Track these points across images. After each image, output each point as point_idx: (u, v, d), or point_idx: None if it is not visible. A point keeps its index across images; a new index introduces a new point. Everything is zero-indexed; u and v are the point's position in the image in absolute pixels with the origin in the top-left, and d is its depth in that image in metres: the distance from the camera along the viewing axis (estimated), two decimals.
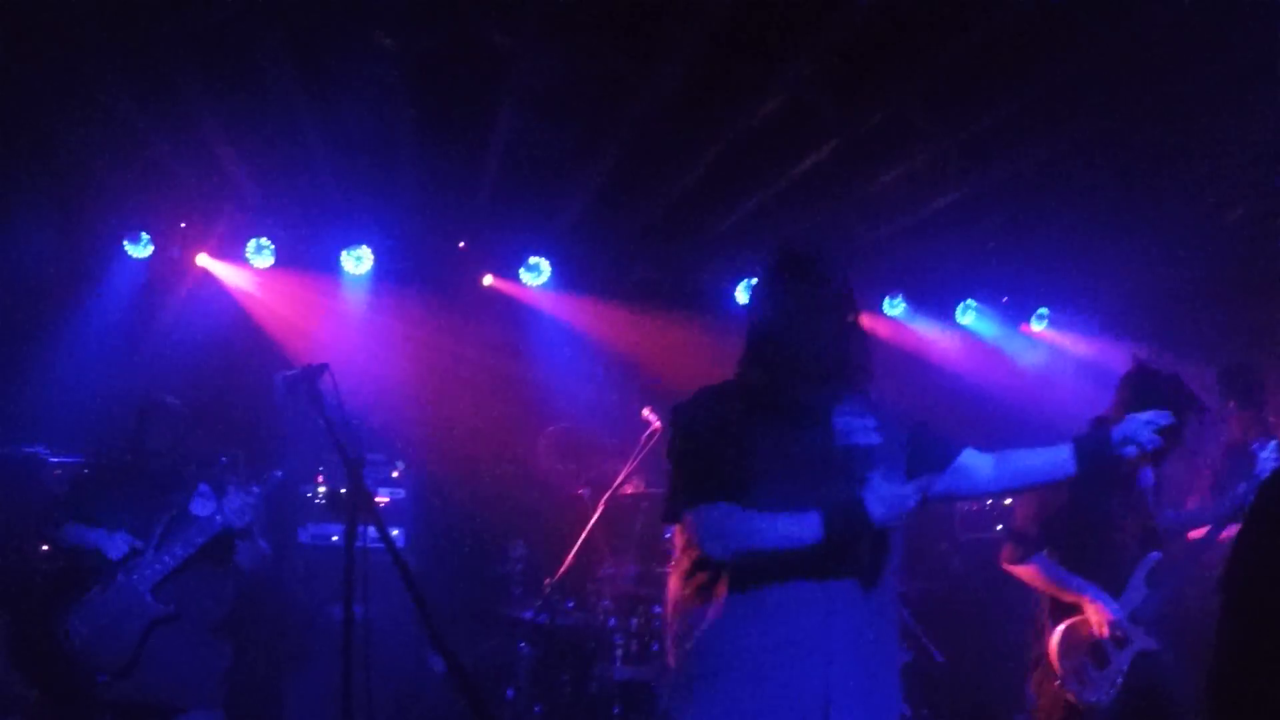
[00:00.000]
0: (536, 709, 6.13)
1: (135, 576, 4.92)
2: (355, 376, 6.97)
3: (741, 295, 8.38)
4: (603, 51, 5.26)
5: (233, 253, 7.36)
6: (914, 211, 7.30)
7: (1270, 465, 5.01)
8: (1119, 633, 4.66)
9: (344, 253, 7.59)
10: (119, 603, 4.88)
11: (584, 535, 5.76)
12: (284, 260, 7.43)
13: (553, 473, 6.92)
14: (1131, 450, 3.28)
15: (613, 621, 6.10)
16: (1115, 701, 4.65)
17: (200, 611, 5.07)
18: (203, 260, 7.33)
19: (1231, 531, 5.17)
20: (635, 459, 5.84)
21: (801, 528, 2.94)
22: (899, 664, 3.38)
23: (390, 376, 7.42)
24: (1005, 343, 9.12)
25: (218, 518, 5.02)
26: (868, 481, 2.99)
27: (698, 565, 3.13)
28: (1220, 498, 5.38)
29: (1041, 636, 4.86)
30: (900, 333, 8.90)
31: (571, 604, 6.34)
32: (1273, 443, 5.11)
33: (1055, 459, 3.35)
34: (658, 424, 5.78)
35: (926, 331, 8.97)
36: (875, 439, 3.16)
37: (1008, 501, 8.00)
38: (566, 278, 8.11)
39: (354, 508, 3.69)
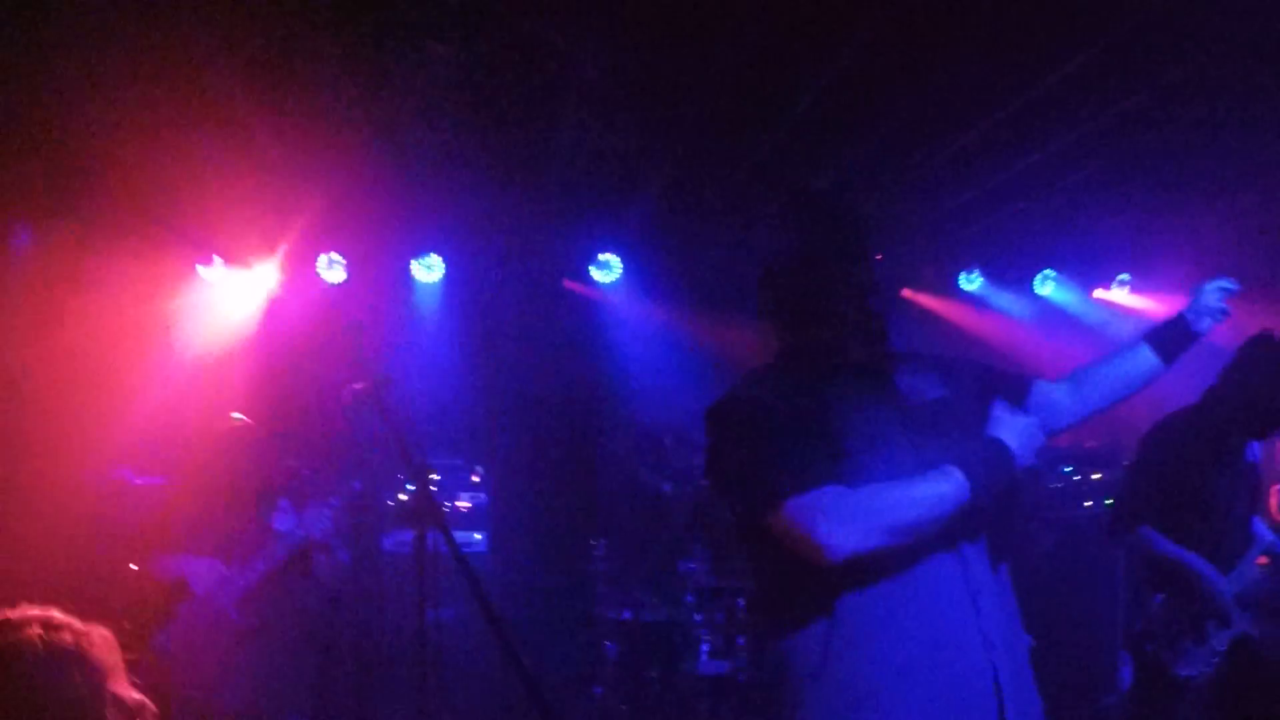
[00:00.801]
0: (624, 706, 6.14)
1: (221, 593, 5.01)
2: (433, 384, 7.10)
3: None
4: (654, 44, 5.23)
5: (304, 269, 7.46)
6: (987, 179, 7.17)
7: None
8: (1223, 611, 4.55)
9: (414, 262, 7.67)
10: (205, 619, 4.98)
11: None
12: (355, 273, 7.51)
13: (633, 470, 6.93)
14: (1207, 324, 2.96)
15: (698, 617, 6.10)
16: (1211, 681, 4.55)
17: (285, 624, 5.14)
18: (275, 278, 7.43)
19: None
20: None
21: (942, 487, 2.44)
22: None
23: (468, 382, 7.49)
24: (1086, 312, 8.94)
25: (299, 531, 5.09)
26: (993, 418, 2.59)
27: (797, 573, 2.50)
28: None
29: (1143, 607, 4.77)
30: (978, 308, 8.78)
31: (656, 600, 6.34)
32: None
33: (1136, 359, 2.99)
34: None
35: (1005, 305, 8.84)
36: (944, 391, 2.78)
37: (1096, 477, 7.88)
38: (638, 273, 8.12)
39: (422, 515, 3.72)
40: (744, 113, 6.02)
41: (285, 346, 7.21)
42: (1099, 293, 9.00)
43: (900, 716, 2.42)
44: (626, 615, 6.22)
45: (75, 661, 2.07)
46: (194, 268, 7.23)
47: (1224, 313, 2.96)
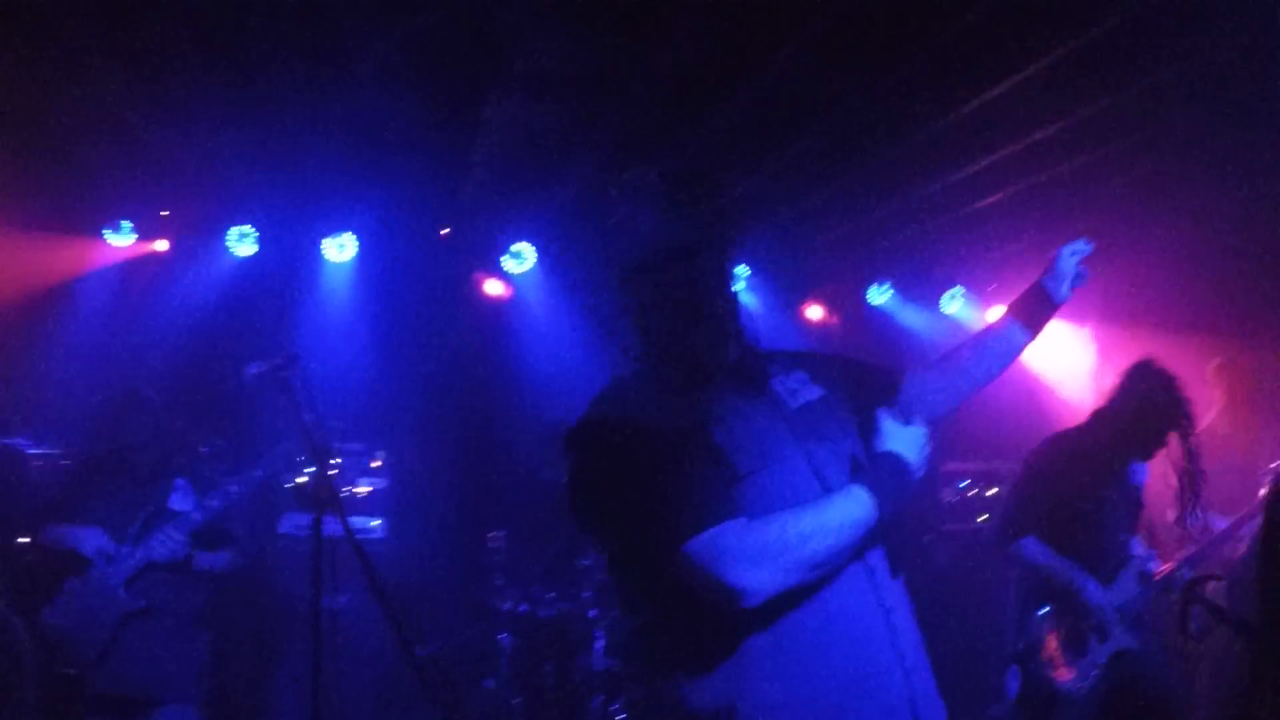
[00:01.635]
0: (516, 700, 6.12)
1: (110, 570, 4.91)
2: (337, 365, 6.99)
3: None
4: (598, 32, 5.21)
5: (214, 240, 7.32)
6: (904, 196, 7.27)
7: None
8: (1104, 624, 4.67)
9: (326, 240, 7.55)
10: (93, 596, 4.87)
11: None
12: (266, 247, 7.39)
13: (535, 463, 6.89)
14: (1066, 290, 2.90)
15: (594, 612, 6.10)
16: (1090, 694, 4.67)
17: (176, 605, 5.05)
18: (184, 248, 7.29)
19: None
20: None
21: (854, 512, 2.27)
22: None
23: (373, 365, 7.38)
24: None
25: (195, 514, 5.01)
26: (884, 431, 2.45)
27: (695, 612, 2.25)
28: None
29: (1027, 621, 4.87)
30: (886, 322, 8.90)
31: (553, 594, 6.33)
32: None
33: (1002, 335, 2.90)
34: None
35: (912, 321, 8.97)
36: (820, 391, 2.60)
37: (992, 492, 8.04)
38: (552, 264, 8.09)
39: (320, 500, 3.68)
40: (670, 114, 6.01)
41: (191, 319, 7.06)
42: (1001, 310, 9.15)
43: None
44: (523, 608, 6.20)
45: None
46: (99, 234, 7.05)
47: (1082, 276, 2.94)
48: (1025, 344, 2.92)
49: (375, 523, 6.79)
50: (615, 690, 5.85)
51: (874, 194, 7.29)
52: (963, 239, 8.14)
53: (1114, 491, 4.90)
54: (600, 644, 5.98)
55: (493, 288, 8.14)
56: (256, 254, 7.34)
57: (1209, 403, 6.54)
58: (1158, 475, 5.11)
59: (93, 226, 7.04)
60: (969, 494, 8.00)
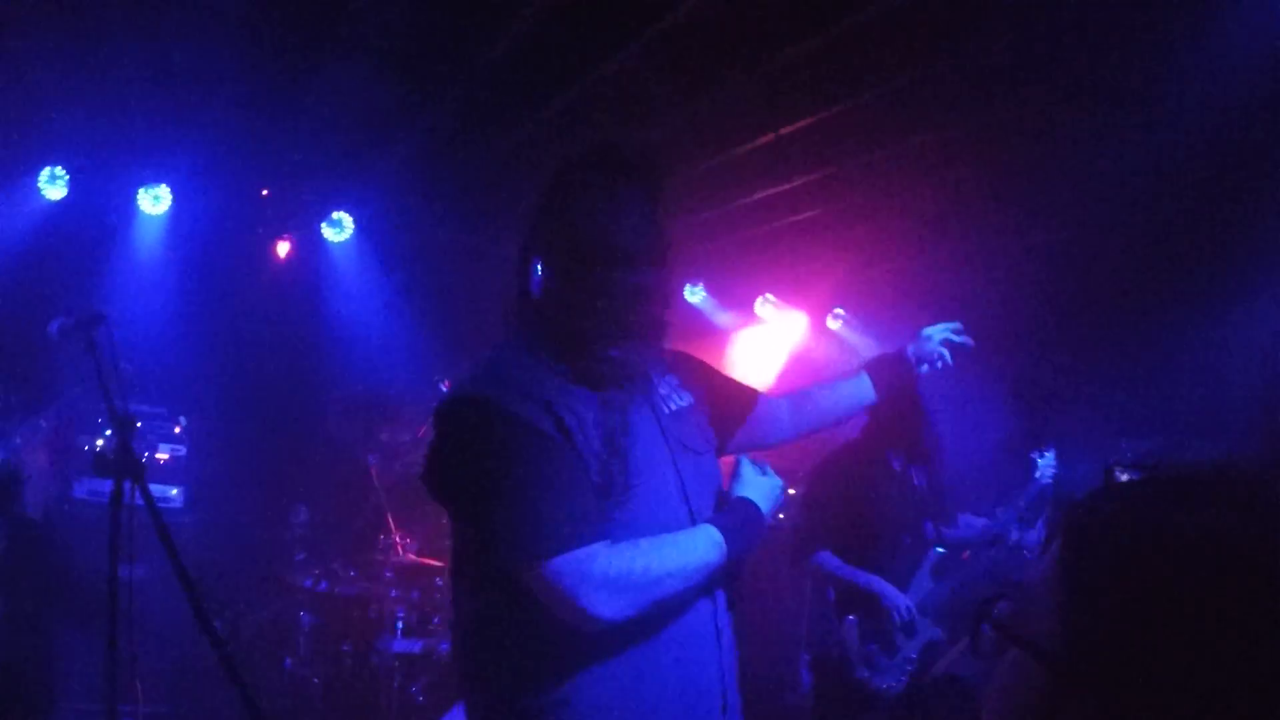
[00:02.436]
0: (315, 680, 6.05)
1: None
2: (143, 322, 6.76)
3: None
4: (443, 9, 5.18)
5: (25, 180, 6.96)
6: (728, 202, 7.44)
7: (1050, 474, 5.37)
8: (908, 622, 4.91)
9: (142, 190, 7.27)
10: None
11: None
12: (78, 192, 7.07)
13: (340, 437, 6.80)
14: (925, 368, 2.99)
15: (394, 593, 6.07)
16: (906, 689, 4.91)
17: None
18: None
19: None
20: (426, 429, 5.78)
21: (709, 555, 2.29)
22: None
23: (180, 325, 7.14)
24: (798, 338, 9.38)
25: None
26: (743, 479, 2.46)
27: (543, 620, 2.21)
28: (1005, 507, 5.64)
29: (834, 627, 5.07)
30: (699, 321, 9.07)
31: (354, 573, 6.28)
32: (1051, 452, 5.45)
33: (853, 388, 2.95)
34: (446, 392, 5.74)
35: (725, 323, 9.17)
36: (688, 399, 2.57)
37: (790, 491, 8.28)
38: (371, 236, 7.98)
39: (120, 467, 3.55)
40: (507, 100, 6.02)
41: None
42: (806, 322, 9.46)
43: None
44: (323, 586, 6.13)
45: None
46: None
47: (943, 359, 3.00)
48: (872, 402, 2.99)
49: (174, 491, 6.59)
50: (414, 672, 5.85)
51: (694, 200, 7.44)
52: (781, 248, 8.37)
53: (893, 492, 5.15)
54: (400, 625, 5.96)
55: (301, 253, 7.96)
56: (68, 198, 7.01)
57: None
58: None
59: None
60: None
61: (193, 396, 7.03)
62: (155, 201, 7.27)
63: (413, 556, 6.26)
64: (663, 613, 2.27)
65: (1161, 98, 5.14)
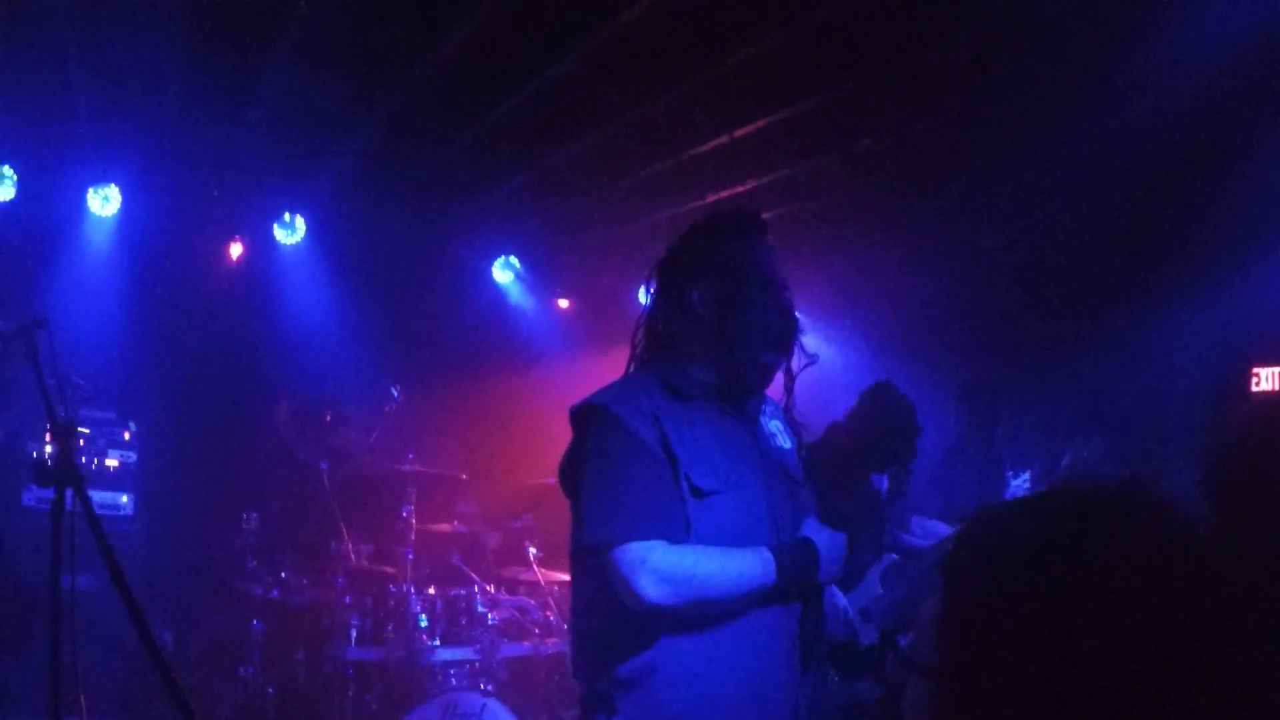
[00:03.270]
0: (270, 690, 6.00)
1: None
2: (92, 326, 6.68)
3: (500, 274, 8.41)
4: (387, 13, 5.16)
5: None
6: (678, 204, 7.45)
7: (1021, 493, 5.42)
8: (850, 623, 4.93)
9: (91, 190, 7.19)
10: None
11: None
12: (26, 192, 6.97)
13: (291, 442, 6.75)
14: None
15: (347, 599, 6.02)
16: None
17: None
18: None
19: None
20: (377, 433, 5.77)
21: (755, 571, 2.57)
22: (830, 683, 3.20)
23: (129, 329, 7.06)
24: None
25: None
26: (810, 523, 2.78)
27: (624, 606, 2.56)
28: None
29: None
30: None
31: (305, 580, 6.23)
32: (1029, 473, 5.49)
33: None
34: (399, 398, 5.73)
35: None
36: (790, 442, 2.90)
37: None
38: (323, 238, 7.92)
39: (61, 476, 3.52)
40: (454, 103, 6.02)
41: None
42: None
43: None
44: (275, 594, 6.08)
45: None
46: None
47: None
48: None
49: (124, 498, 6.51)
50: (368, 680, 5.82)
51: (642, 202, 7.45)
52: None
53: (854, 500, 5.18)
54: (353, 633, 5.92)
55: (261, 256, 7.89)
56: (16, 198, 6.91)
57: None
58: None
59: None
60: None
61: (143, 401, 6.95)
62: (104, 202, 7.19)
63: (365, 563, 6.23)
64: (744, 610, 2.60)
65: (1109, 100, 5.21)
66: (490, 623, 5.98)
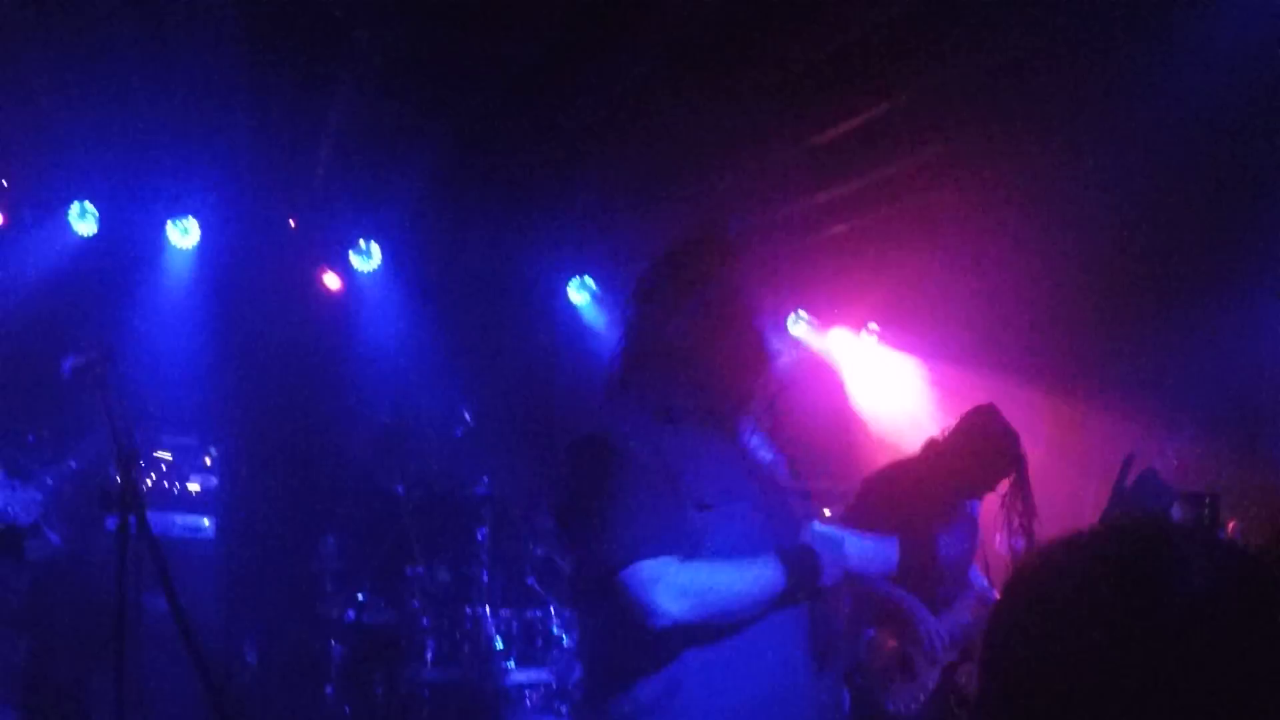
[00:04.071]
0: (347, 709, 6.05)
1: None
2: (174, 355, 6.81)
3: (575, 294, 8.39)
4: (447, 31, 5.19)
5: (55, 215, 7.03)
6: (752, 217, 7.40)
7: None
8: (933, 649, 4.80)
9: (170, 223, 7.33)
10: None
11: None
12: (107, 227, 7.12)
13: (368, 466, 6.81)
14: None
15: (425, 621, 6.06)
16: (918, 717, 4.80)
17: None
18: (22, 222, 6.98)
19: None
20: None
21: (766, 579, 2.62)
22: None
23: (210, 357, 7.17)
24: (834, 354, 9.31)
25: (10, 509, 4.84)
26: (814, 528, 2.80)
27: (636, 628, 2.57)
28: None
29: (853, 646, 4.99)
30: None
31: (383, 602, 6.27)
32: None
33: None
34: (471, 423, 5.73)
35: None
36: (770, 456, 2.96)
37: (826, 513, 8.22)
38: (398, 264, 7.99)
39: (126, 502, 3.62)
40: (521, 114, 6.03)
41: (28, 298, 6.76)
42: (843, 335, 9.39)
43: None
44: (351, 616, 6.13)
45: None
46: None
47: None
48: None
49: (206, 522, 6.60)
50: (445, 701, 5.84)
51: (721, 212, 7.40)
52: (806, 264, 8.32)
53: (946, 523, 5.05)
54: (430, 654, 5.94)
55: (333, 283, 7.98)
56: (98, 233, 7.06)
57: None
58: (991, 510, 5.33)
59: None
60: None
61: (223, 427, 7.05)
62: (184, 234, 7.31)
63: (441, 585, 6.26)
64: (755, 621, 2.62)
65: (1185, 83, 5.06)
66: (566, 645, 5.97)
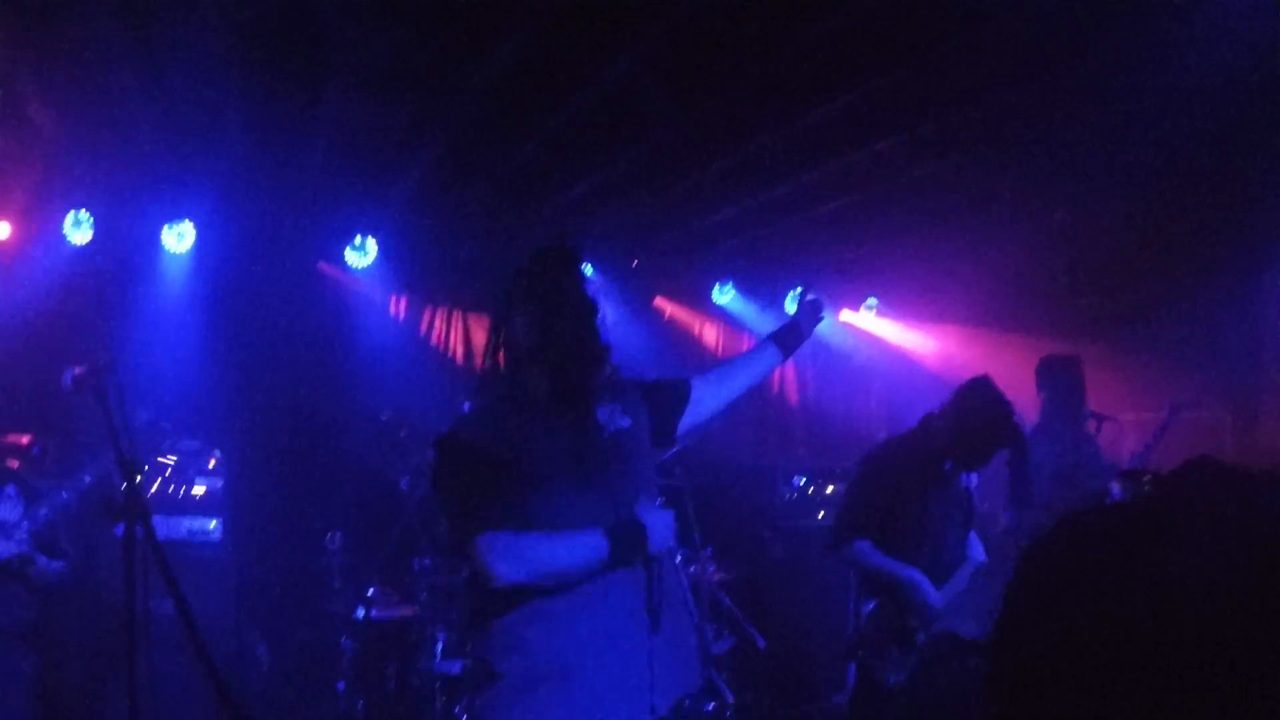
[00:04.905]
0: (360, 704, 6.08)
1: None
2: (174, 360, 6.83)
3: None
4: (436, 30, 5.18)
5: (49, 225, 7.05)
6: (747, 200, 7.41)
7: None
8: (931, 619, 4.83)
9: (165, 228, 7.33)
10: None
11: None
12: (102, 234, 7.13)
13: (372, 461, 6.83)
14: (810, 328, 3.92)
15: (434, 614, 6.08)
16: (908, 680, 4.83)
17: (5, 624, 4.91)
18: (20, 234, 7.00)
19: None
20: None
21: (588, 550, 3.15)
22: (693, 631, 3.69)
23: (209, 359, 7.19)
24: (832, 332, 9.34)
25: (25, 524, 4.87)
26: (643, 506, 3.28)
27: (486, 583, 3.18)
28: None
29: (856, 617, 5.03)
30: (728, 323, 9.05)
31: (391, 596, 6.30)
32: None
33: (764, 355, 3.89)
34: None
35: (752, 318, 9.14)
36: (626, 421, 3.41)
37: (829, 490, 8.26)
38: (393, 258, 8.00)
39: (130, 510, 3.65)
40: (514, 112, 6.03)
41: (26, 309, 6.76)
42: (847, 314, 9.41)
43: (559, 705, 3.12)
44: (360, 611, 6.15)
45: None
46: None
47: (820, 318, 3.97)
48: (779, 364, 3.95)
49: (212, 524, 6.61)
50: (456, 692, 5.86)
51: (715, 197, 7.42)
52: (804, 242, 8.34)
53: (944, 495, 5.08)
54: (439, 646, 5.97)
55: (334, 281, 7.99)
56: (93, 241, 7.07)
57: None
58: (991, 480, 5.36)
59: None
60: (807, 491, 8.19)
61: (226, 429, 7.06)
62: (179, 239, 7.32)
63: (448, 577, 6.27)
64: (596, 579, 3.15)
65: (1177, 65, 5.07)
66: None
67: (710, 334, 9.29)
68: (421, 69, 5.56)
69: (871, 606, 4.93)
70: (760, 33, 5.08)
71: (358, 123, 6.20)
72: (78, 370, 3.86)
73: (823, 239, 8.30)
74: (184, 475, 6.53)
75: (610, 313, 8.03)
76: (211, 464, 6.68)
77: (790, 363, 8.69)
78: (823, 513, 8.11)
